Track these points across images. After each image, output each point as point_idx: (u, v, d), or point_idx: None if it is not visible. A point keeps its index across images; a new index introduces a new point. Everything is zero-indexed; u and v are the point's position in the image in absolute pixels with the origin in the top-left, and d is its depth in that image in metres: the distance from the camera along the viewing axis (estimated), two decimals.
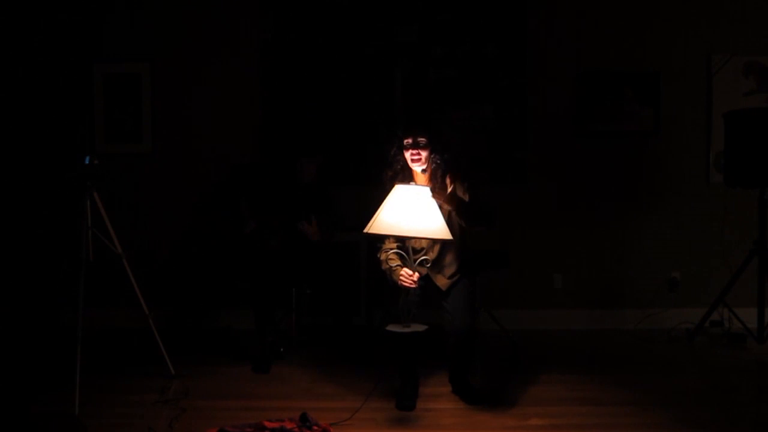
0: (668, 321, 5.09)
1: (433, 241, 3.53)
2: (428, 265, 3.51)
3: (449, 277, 3.59)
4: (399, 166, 3.57)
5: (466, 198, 3.50)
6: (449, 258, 3.60)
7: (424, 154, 3.47)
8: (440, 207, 3.40)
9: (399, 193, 3.35)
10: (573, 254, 5.22)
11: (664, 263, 5.21)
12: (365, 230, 3.34)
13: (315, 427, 3.21)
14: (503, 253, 4.76)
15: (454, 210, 3.48)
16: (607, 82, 5.16)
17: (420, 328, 3.30)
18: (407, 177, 3.55)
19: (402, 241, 3.47)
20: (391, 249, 3.55)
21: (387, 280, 3.57)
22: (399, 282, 3.40)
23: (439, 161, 3.49)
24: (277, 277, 4.39)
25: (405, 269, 3.40)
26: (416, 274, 3.38)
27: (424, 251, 3.56)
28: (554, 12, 5.17)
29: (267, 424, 3.22)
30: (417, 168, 3.50)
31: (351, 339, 4.74)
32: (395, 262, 3.51)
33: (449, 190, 3.51)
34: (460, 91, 5.14)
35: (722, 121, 4.78)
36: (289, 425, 3.21)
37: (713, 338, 4.85)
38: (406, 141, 3.50)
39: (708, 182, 5.19)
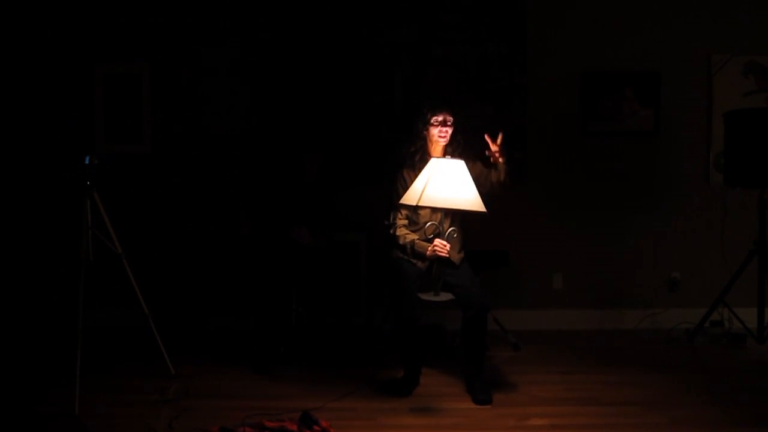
0: (668, 321, 5.09)
1: (443, 216, 3.67)
2: (455, 236, 3.63)
3: (458, 252, 3.74)
4: (421, 143, 3.75)
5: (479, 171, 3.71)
6: (458, 236, 3.72)
7: (450, 131, 3.71)
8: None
9: (438, 166, 3.47)
10: (573, 254, 5.22)
11: (664, 263, 5.21)
12: (415, 203, 3.45)
13: (315, 427, 3.21)
14: (503, 253, 4.76)
15: (482, 175, 3.69)
16: (608, 82, 5.16)
17: (447, 297, 3.50)
18: (426, 154, 3.72)
19: (410, 218, 3.71)
20: (404, 224, 3.73)
21: (388, 267, 3.81)
22: (433, 251, 3.52)
23: (460, 141, 3.75)
24: (277, 278, 4.39)
25: (438, 240, 3.53)
26: (449, 244, 3.53)
27: (456, 233, 3.66)
28: (554, 12, 5.17)
29: (267, 423, 3.23)
30: (442, 143, 3.70)
31: (351, 339, 4.74)
32: (412, 236, 3.68)
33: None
34: (460, 91, 5.14)
35: (722, 121, 4.78)
36: (289, 425, 3.22)
37: (713, 338, 4.85)
38: (434, 118, 3.70)
39: (708, 182, 5.19)
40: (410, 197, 3.47)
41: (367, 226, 4.94)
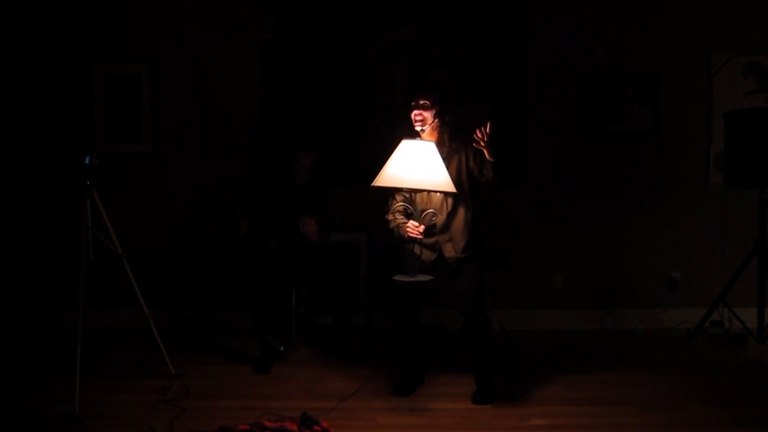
0: (668, 321, 5.09)
1: (441, 204, 3.66)
2: (434, 219, 3.63)
3: (460, 252, 3.66)
4: (406, 128, 3.73)
5: (473, 164, 3.66)
6: (459, 227, 3.67)
7: (426, 114, 3.67)
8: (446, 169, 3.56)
9: (404, 147, 3.51)
10: (573, 254, 5.22)
11: (664, 263, 5.21)
12: (372, 184, 3.50)
13: (315, 427, 3.21)
14: (503, 253, 4.76)
15: (478, 169, 3.63)
16: (607, 82, 5.16)
17: (425, 277, 3.48)
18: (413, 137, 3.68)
19: (410, 202, 3.68)
20: (398, 210, 3.73)
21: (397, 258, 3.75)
22: (406, 234, 3.57)
23: (442, 125, 3.69)
24: (276, 278, 4.39)
25: (411, 221, 3.57)
26: (422, 226, 3.55)
27: (434, 215, 3.65)
28: (554, 12, 5.17)
29: (267, 423, 3.23)
30: (418, 128, 3.67)
31: (351, 339, 4.73)
32: (402, 219, 3.67)
33: (463, 157, 3.66)
34: (460, 90, 5.14)
35: (722, 121, 4.78)
36: (289, 425, 3.22)
37: (713, 338, 4.85)
38: (412, 102, 3.70)
39: (708, 182, 5.19)
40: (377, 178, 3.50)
41: (368, 226, 4.95)
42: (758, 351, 4.59)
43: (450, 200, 3.66)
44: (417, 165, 3.42)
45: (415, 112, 3.66)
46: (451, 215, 3.67)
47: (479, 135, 3.44)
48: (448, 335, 4.65)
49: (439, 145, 3.66)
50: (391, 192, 3.74)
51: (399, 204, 3.73)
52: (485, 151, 3.51)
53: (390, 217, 3.75)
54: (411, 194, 3.68)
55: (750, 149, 4.52)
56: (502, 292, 5.05)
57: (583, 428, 3.33)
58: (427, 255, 3.70)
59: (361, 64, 5.16)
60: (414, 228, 3.55)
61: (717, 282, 4.90)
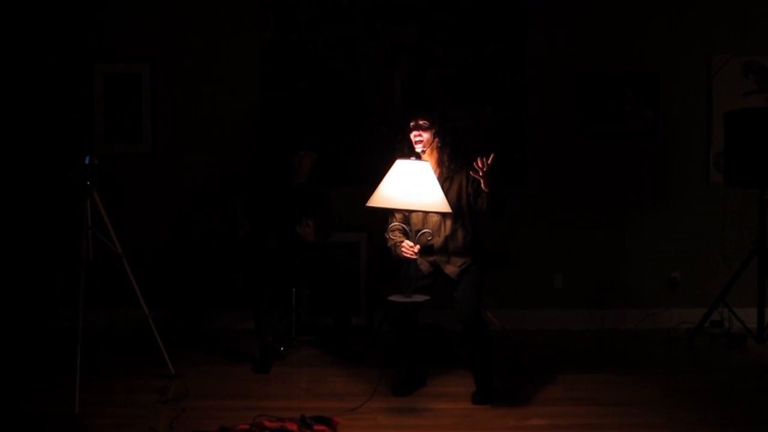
0: (668, 321, 5.09)
1: (439, 225, 3.65)
2: (430, 239, 3.62)
3: (459, 266, 3.66)
4: (406, 149, 3.71)
5: (470, 189, 3.62)
6: (457, 250, 3.66)
7: (425, 135, 3.64)
8: (447, 191, 3.56)
9: (399, 166, 3.49)
10: (573, 254, 5.22)
11: (664, 263, 5.21)
12: (367, 204, 3.51)
13: (316, 427, 3.21)
14: (503, 253, 4.76)
15: (473, 196, 3.60)
16: (607, 82, 5.15)
17: (421, 298, 3.45)
18: (414, 158, 3.65)
19: (408, 222, 3.66)
20: (397, 228, 3.71)
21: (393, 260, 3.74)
22: (401, 254, 3.55)
23: (442, 145, 3.66)
24: (276, 278, 4.39)
25: (406, 241, 3.55)
26: (417, 246, 3.53)
27: (431, 236, 3.63)
28: (554, 12, 5.17)
29: (267, 423, 3.23)
30: (418, 149, 3.64)
31: (351, 339, 4.73)
32: (399, 238, 3.64)
33: (461, 179, 3.64)
34: (460, 91, 5.14)
35: (722, 121, 4.78)
36: (289, 425, 3.22)
37: (713, 338, 4.84)
38: (411, 122, 3.67)
39: (708, 182, 5.19)
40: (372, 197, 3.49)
41: (367, 226, 4.95)
42: (758, 351, 4.58)
43: (448, 222, 3.65)
44: (411, 185, 3.40)
45: (415, 132, 3.64)
46: (450, 238, 3.65)
47: (479, 164, 3.42)
48: (448, 335, 4.65)
49: (440, 165, 3.66)
50: (391, 210, 3.72)
51: (397, 223, 3.71)
52: (482, 181, 3.47)
53: (388, 235, 3.72)
54: (408, 214, 3.67)
55: (750, 149, 4.52)
56: (502, 292, 5.05)
57: (583, 428, 3.33)
58: (427, 266, 3.71)
59: (361, 65, 5.16)
60: (409, 248, 3.52)
61: (717, 282, 4.90)
